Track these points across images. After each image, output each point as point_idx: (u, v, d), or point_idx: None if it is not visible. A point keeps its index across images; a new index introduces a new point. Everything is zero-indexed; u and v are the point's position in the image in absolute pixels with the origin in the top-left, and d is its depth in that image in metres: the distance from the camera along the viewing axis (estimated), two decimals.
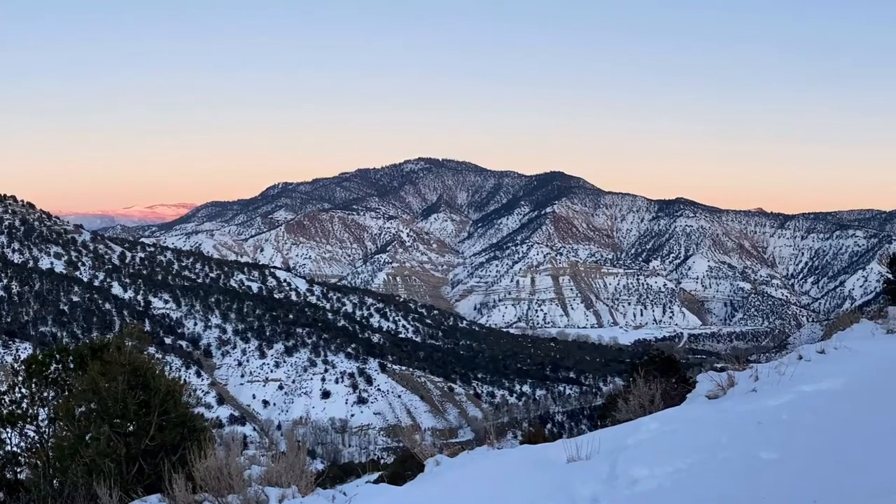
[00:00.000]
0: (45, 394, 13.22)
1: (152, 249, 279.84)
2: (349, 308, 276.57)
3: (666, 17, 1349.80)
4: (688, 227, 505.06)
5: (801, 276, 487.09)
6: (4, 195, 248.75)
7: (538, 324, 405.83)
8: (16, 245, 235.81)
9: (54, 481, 11.59)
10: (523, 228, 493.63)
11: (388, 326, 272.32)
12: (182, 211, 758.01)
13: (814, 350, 13.56)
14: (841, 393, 10.74)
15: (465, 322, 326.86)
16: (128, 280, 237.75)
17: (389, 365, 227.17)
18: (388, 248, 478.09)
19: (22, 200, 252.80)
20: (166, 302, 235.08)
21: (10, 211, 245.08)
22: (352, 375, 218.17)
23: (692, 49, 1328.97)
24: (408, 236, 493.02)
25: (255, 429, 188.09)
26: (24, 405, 13.07)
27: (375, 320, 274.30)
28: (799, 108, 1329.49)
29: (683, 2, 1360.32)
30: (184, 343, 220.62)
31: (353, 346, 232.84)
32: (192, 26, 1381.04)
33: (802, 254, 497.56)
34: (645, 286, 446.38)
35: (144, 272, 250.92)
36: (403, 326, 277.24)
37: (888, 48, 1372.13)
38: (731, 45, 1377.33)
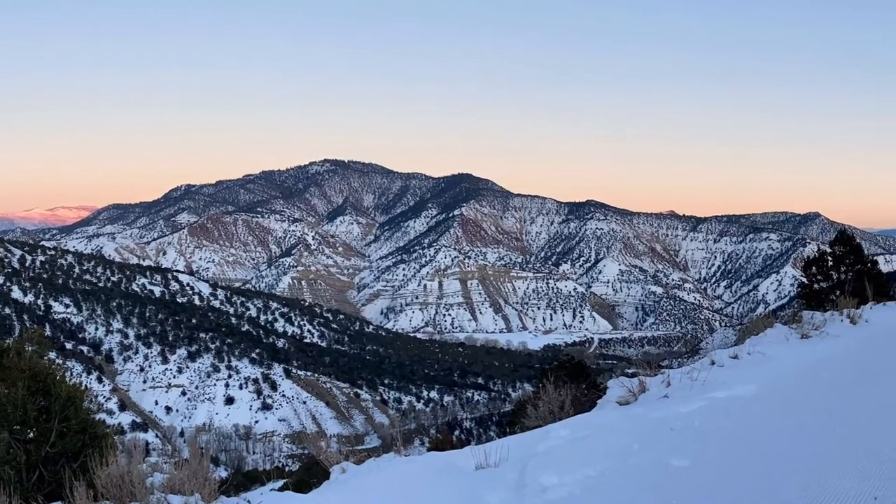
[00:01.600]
0: None
1: (53, 253, 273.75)
2: (253, 312, 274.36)
3: (574, 15, 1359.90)
4: (598, 230, 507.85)
5: (713, 279, 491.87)
6: None
7: (446, 328, 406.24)
8: None
9: None
10: (431, 231, 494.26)
11: (294, 331, 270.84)
12: (83, 213, 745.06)
13: (727, 355, 13.47)
14: (754, 399, 10.66)
15: (371, 327, 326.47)
16: (28, 284, 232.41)
17: (294, 370, 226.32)
18: (293, 252, 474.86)
19: None
20: (67, 306, 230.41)
21: None
22: (256, 381, 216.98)
23: (602, 49, 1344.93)
24: (313, 239, 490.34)
25: (157, 435, 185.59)
26: None
27: (280, 325, 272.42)
28: (711, 109, 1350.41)
29: (595, 1, 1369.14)
30: (85, 348, 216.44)
31: (257, 351, 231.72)
32: (94, 24, 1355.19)
33: (715, 257, 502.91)
34: (555, 290, 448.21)
35: (45, 276, 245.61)
36: (309, 331, 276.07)
37: (800, 46, 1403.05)
38: (640, 44, 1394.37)
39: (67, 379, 12.10)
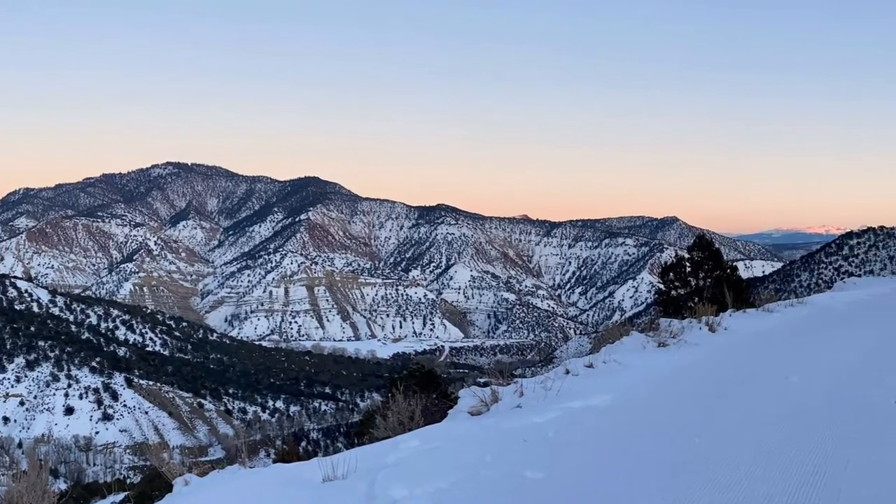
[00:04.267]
0: None
1: None
2: (94, 320, 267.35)
3: (424, 14, 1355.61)
4: (449, 235, 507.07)
5: (568, 286, 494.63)
6: None
7: (293, 336, 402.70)
8: None
9: None
10: (277, 236, 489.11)
11: (135, 339, 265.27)
12: None
13: (582, 364, 13.36)
14: (610, 409, 10.61)
15: (215, 334, 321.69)
16: None
17: (136, 380, 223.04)
18: (134, 257, 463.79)
19: None
20: None
21: None
22: (97, 391, 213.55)
23: (452, 49, 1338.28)
24: (155, 244, 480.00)
25: None
26: None
27: (122, 333, 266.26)
28: (565, 111, 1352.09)
29: (450, 1, 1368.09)
30: None
31: (98, 359, 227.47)
32: None
33: (570, 263, 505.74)
34: (404, 297, 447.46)
35: None
36: (151, 339, 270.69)
37: (656, 46, 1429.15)
38: (492, 44, 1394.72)
39: None
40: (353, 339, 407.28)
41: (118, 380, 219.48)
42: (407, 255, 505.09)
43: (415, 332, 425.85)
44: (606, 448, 8.87)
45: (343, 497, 8.01)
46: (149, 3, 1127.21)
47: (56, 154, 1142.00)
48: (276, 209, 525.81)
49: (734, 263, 34.27)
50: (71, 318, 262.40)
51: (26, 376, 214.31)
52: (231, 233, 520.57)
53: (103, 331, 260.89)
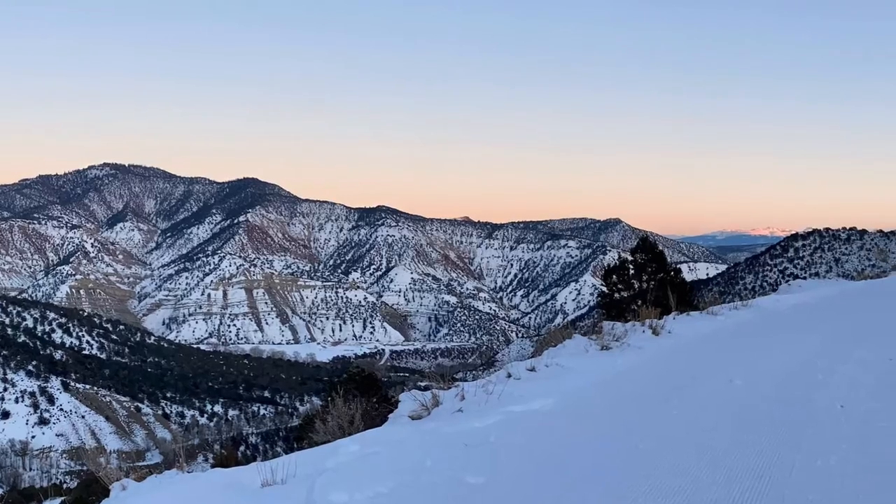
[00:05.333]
0: None
1: None
2: (30, 323, 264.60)
3: (363, 11, 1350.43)
4: (390, 237, 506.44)
5: (510, 288, 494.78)
6: None
7: (231, 339, 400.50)
8: None
9: None
10: (215, 238, 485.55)
11: (72, 342, 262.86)
12: None
13: (524, 367, 13.26)
14: (552, 413, 10.51)
15: (153, 338, 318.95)
16: None
17: (73, 383, 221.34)
18: (71, 260, 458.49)
19: None
20: None
21: None
22: (33, 395, 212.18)
23: (390, 47, 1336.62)
24: (92, 247, 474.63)
25: None
26: None
27: (58, 336, 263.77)
28: (507, 112, 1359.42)
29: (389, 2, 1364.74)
30: None
31: (34, 363, 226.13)
32: None
33: (512, 265, 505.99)
34: (344, 300, 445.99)
35: None
36: (88, 342, 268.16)
37: (596, 47, 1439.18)
38: (430, 42, 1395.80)
39: None
40: (292, 342, 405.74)
41: (55, 383, 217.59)
42: (347, 258, 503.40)
43: (355, 336, 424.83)
44: (549, 453, 8.77)
45: (282, 502, 7.90)
46: (87, 3, 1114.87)
47: None
48: (214, 211, 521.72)
49: (678, 266, 34.40)
50: (7, 320, 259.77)
51: None
52: (169, 235, 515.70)
53: (39, 334, 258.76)
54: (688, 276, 40.15)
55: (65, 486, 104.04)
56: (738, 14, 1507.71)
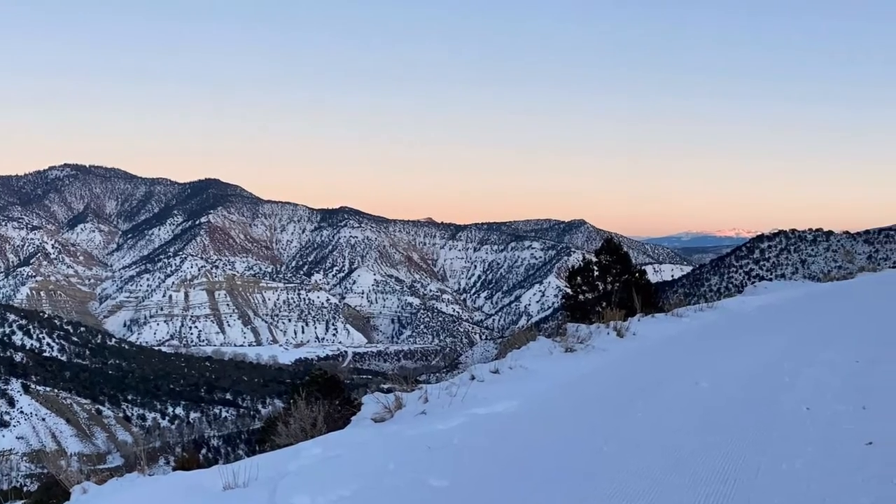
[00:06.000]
0: None
1: None
2: None
3: (322, 14, 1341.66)
4: (353, 238, 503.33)
5: (473, 290, 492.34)
6: None
7: (193, 341, 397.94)
8: None
9: None
10: (177, 239, 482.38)
11: (33, 345, 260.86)
12: None
13: (487, 370, 13.26)
14: (516, 415, 10.51)
15: (114, 340, 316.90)
16: None
17: (33, 386, 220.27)
18: (31, 261, 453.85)
19: None
20: None
21: None
22: None
23: (351, 48, 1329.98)
24: (53, 248, 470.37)
25: None
26: None
27: (18, 338, 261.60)
28: (469, 112, 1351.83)
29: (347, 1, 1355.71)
30: None
31: None
32: None
33: (475, 267, 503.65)
34: (307, 301, 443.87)
35: None
36: (48, 344, 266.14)
37: (560, 47, 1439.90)
38: (385, 42, 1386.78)
39: None
40: (254, 344, 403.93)
41: (15, 386, 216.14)
42: (309, 259, 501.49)
43: (317, 338, 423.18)
44: (512, 455, 8.76)
45: None
46: (44, 2, 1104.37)
47: None
48: (175, 212, 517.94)
49: (643, 267, 34.42)
50: None
51: None
52: (130, 236, 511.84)
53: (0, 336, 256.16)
54: (653, 277, 40.28)
55: (25, 489, 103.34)
56: (699, 12, 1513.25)
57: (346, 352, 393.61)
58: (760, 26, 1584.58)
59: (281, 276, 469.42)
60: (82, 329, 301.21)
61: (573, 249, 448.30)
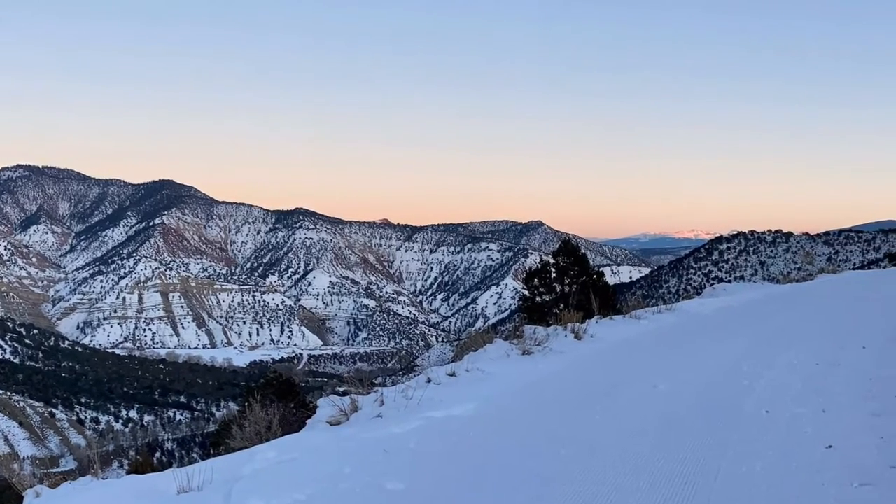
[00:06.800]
0: None
1: None
2: None
3: (275, 10, 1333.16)
4: (308, 240, 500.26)
5: (430, 292, 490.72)
6: None
7: (147, 344, 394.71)
8: None
9: None
10: (130, 241, 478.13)
11: None
12: None
13: (444, 372, 13.24)
14: (473, 419, 10.50)
15: (67, 342, 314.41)
16: None
17: None
18: None
19: None
20: None
21: None
22: None
23: (304, 47, 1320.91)
24: (5, 250, 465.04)
25: None
26: None
27: None
28: (427, 113, 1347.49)
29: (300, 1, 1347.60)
30: None
31: None
32: None
33: (432, 268, 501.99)
34: (262, 303, 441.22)
35: None
36: (1, 347, 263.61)
37: (514, 47, 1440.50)
38: (345, 41, 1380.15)
39: None
40: (208, 346, 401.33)
41: None
42: (264, 261, 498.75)
43: (272, 340, 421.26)
44: (469, 459, 8.78)
45: None
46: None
47: None
48: (129, 213, 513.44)
49: (601, 269, 34.57)
50: None
51: None
52: (83, 238, 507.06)
53: None
54: (611, 279, 40.34)
55: None
56: (657, 12, 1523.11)
57: (301, 354, 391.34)
58: (709, 23, 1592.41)
59: (236, 277, 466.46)
60: (35, 331, 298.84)
61: (530, 251, 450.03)
